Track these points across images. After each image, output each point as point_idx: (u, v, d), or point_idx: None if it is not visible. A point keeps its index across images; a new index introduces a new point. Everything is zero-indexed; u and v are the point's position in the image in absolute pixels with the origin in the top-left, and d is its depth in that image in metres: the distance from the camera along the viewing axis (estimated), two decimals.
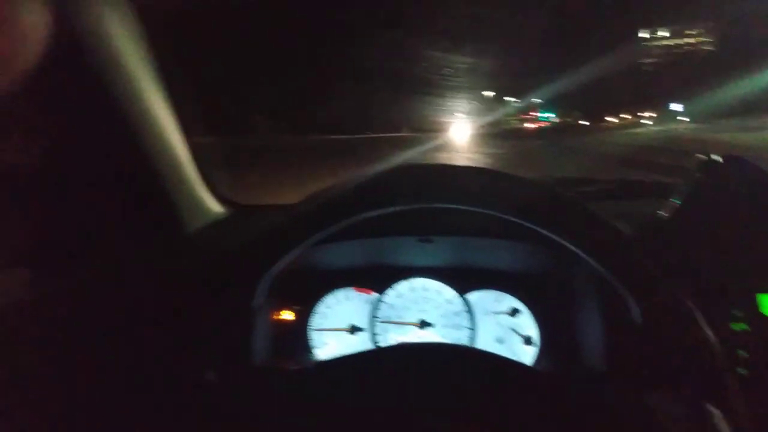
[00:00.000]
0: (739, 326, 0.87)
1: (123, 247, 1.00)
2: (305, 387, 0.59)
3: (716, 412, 0.57)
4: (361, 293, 1.17)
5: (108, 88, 0.87)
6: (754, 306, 0.88)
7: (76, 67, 0.83)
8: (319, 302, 1.16)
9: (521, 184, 0.72)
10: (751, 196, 0.90)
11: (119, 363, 0.75)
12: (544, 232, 0.68)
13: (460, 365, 0.60)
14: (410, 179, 0.72)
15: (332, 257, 1.13)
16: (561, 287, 1.08)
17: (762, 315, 0.87)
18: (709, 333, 0.60)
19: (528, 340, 1.10)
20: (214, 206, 1.19)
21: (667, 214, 0.97)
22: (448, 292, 1.16)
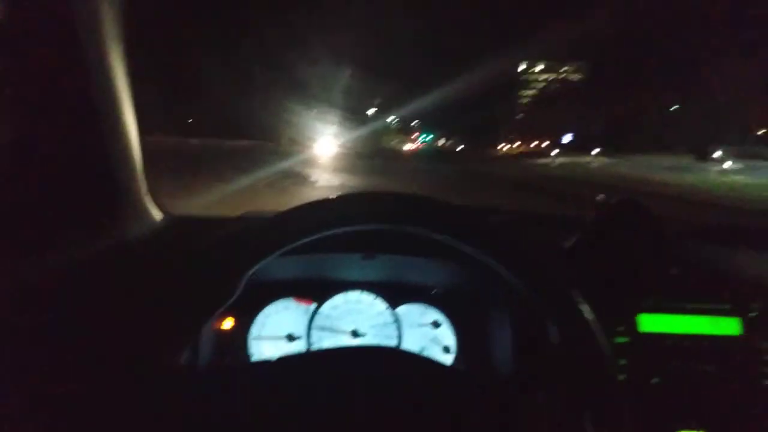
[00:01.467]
0: (621, 339, 1.06)
1: (69, 243, 1.01)
2: (238, 384, 0.67)
3: (587, 413, 0.67)
4: (300, 304, 1.26)
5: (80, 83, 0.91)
6: (635, 324, 1.07)
7: (46, 62, 0.87)
8: (260, 312, 1.24)
9: (459, 210, 0.82)
10: (637, 233, 1.10)
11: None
12: (483, 257, 0.75)
13: (385, 363, 0.71)
14: (363, 202, 0.79)
15: (275, 270, 1.21)
16: (478, 303, 1.23)
17: (639, 331, 1.07)
18: (606, 345, 0.70)
19: (447, 349, 1.24)
20: (155, 214, 1.22)
21: (567, 243, 1.16)
22: (379, 305, 1.27)
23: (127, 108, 1.04)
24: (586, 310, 0.73)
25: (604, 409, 0.68)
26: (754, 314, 1.09)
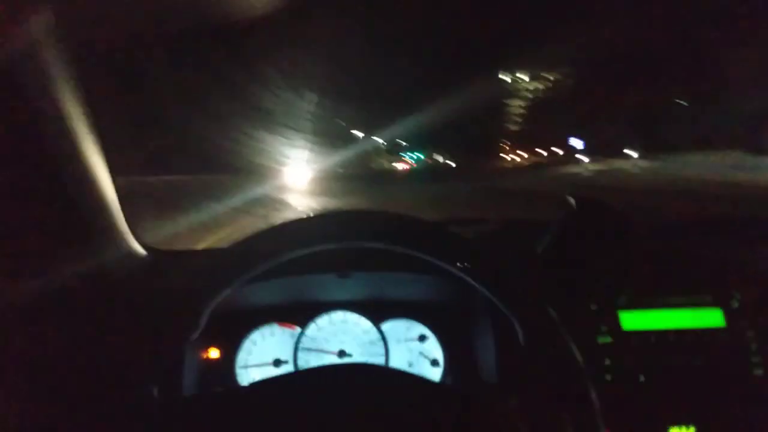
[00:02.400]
0: (604, 339, 1.05)
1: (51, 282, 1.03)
2: (231, 407, 0.68)
3: (564, 416, 0.68)
4: (285, 328, 1.27)
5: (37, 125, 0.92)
6: (617, 322, 1.07)
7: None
8: (245, 339, 1.25)
9: (426, 225, 0.84)
10: (608, 230, 1.11)
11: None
12: (447, 266, 0.78)
13: (371, 381, 0.73)
14: (332, 222, 0.82)
15: (256, 296, 1.22)
16: (461, 314, 1.24)
17: (622, 329, 1.06)
18: (576, 351, 0.72)
19: (434, 362, 1.24)
20: (137, 250, 1.25)
21: (545, 246, 1.16)
22: (364, 323, 1.27)
23: (94, 150, 1.07)
24: (553, 317, 0.75)
25: (578, 410, 0.69)
26: (736, 304, 1.06)
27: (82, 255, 1.08)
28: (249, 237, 0.79)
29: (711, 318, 1.07)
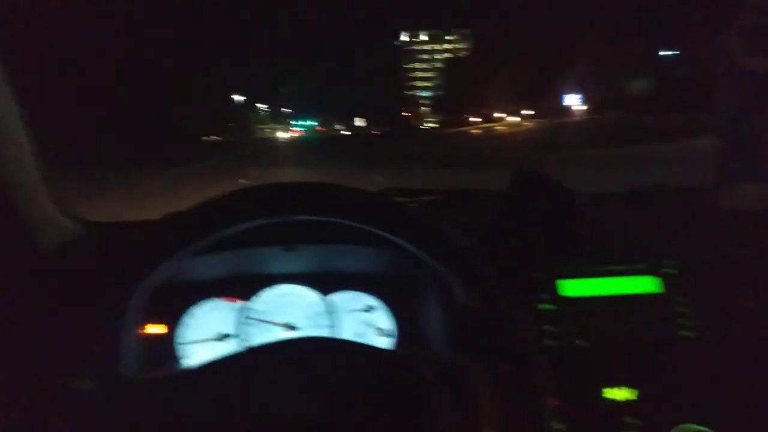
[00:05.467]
0: (545, 306, 1.09)
1: None
2: (172, 393, 0.67)
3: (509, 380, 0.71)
4: (228, 302, 1.23)
5: None
6: (556, 289, 1.11)
7: None
8: (186, 314, 1.20)
9: (370, 196, 0.83)
10: (551, 202, 1.14)
11: None
12: (392, 237, 0.78)
13: (317, 353, 0.72)
14: (276, 194, 0.79)
15: (198, 269, 1.18)
16: (409, 284, 1.24)
17: (562, 296, 1.10)
18: (519, 316, 0.74)
19: (382, 332, 1.25)
20: (65, 223, 1.17)
21: (490, 216, 1.19)
22: (311, 296, 1.26)
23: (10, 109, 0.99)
24: (495, 281, 0.76)
25: (523, 374, 0.71)
26: (672, 271, 1.13)
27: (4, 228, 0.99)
28: (191, 208, 0.76)
29: (647, 284, 1.13)
